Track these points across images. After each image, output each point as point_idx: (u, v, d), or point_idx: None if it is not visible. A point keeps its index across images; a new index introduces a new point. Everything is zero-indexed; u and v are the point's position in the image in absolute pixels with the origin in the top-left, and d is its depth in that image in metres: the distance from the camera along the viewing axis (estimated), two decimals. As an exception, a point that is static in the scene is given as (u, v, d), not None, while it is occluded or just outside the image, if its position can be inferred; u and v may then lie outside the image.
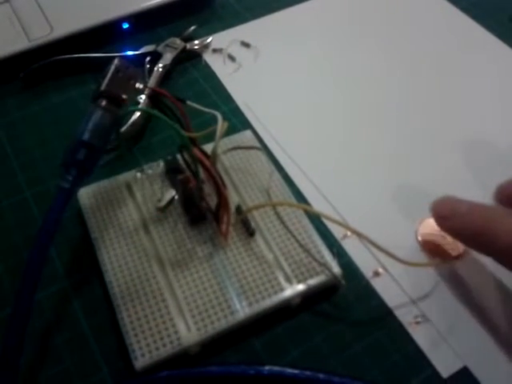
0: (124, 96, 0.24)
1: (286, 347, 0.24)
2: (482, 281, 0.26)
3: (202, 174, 0.26)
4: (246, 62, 0.37)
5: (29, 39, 0.35)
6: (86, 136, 0.23)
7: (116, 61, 0.25)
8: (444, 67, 0.36)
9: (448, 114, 0.34)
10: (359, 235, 0.24)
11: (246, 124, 0.33)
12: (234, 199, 0.28)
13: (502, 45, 0.38)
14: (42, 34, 0.36)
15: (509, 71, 0.36)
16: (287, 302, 0.24)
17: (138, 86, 0.25)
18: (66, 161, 0.23)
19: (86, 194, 0.28)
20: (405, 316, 0.25)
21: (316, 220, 0.28)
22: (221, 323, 0.23)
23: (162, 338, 0.23)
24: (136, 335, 0.23)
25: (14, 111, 0.34)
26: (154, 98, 0.32)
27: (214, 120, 0.26)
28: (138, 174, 0.28)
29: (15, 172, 0.31)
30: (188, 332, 0.23)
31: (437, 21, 0.40)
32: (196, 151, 0.24)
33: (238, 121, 0.33)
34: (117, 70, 0.24)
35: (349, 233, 0.27)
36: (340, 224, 0.25)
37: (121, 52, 0.36)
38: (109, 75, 0.24)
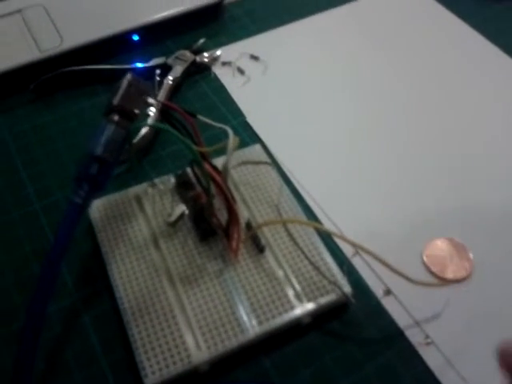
0: (136, 111, 0.24)
1: (296, 366, 0.24)
2: (488, 303, 0.26)
3: (212, 189, 0.26)
4: (254, 75, 0.37)
5: (39, 50, 0.36)
6: (99, 151, 0.23)
7: (129, 76, 0.25)
8: (456, 85, 0.36)
9: (460, 136, 0.33)
10: (369, 253, 0.24)
11: (254, 137, 0.33)
12: (243, 214, 0.28)
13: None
14: (52, 45, 0.36)
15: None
16: (297, 321, 0.24)
17: (150, 100, 0.25)
18: (78, 175, 0.23)
19: (96, 207, 0.28)
20: (415, 336, 0.25)
21: (326, 237, 0.28)
22: (231, 341, 0.23)
23: (172, 356, 0.23)
24: (146, 352, 0.23)
25: (23, 122, 0.34)
26: (164, 111, 0.32)
27: (224, 134, 0.26)
28: (150, 189, 0.28)
29: (24, 183, 0.31)
30: (198, 350, 0.23)
31: (447, 37, 0.40)
32: (208, 167, 0.24)
33: (246, 134, 0.33)
34: (129, 85, 0.24)
35: (359, 250, 0.27)
36: (351, 243, 0.25)
37: (130, 64, 0.36)
38: (121, 90, 0.24)
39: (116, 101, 0.24)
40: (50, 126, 0.34)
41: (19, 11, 0.38)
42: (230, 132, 0.26)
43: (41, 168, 0.31)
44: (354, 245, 0.25)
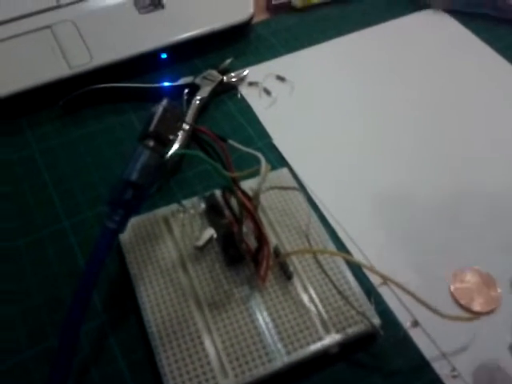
0: (171, 137, 0.24)
1: (323, 397, 0.24)
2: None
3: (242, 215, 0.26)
4: (281, 96, 0.37)
5: (69, 67, 0.36)
6: (134, 176, 0.23)
7: (164, 102, 0.25)
8: (475, 106, 0.36)
9: (485, 161, 0.33)
10: (397, 285, 0.24)
11: (280, 160, 0.33)
12: (271, 240, 0.28)
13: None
14: (82, 62, 0.36)
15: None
16: (325, 351, 0.24)
17: (184, 126, 0.25)
18: (112, 200, 0.23)
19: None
20: (442, 368, 0.25)
21: (354, 265, 0.28)
22: (258, 370, 0.23)
23: (199, 383, 0.23)
24: (174, 378, 0.23)
25: (52, 138, 0.34)
26: (192, 133, 0.32)
27: (252, 157, 0.26)
28: (181, 215, 0.28)
29: (53, 200, 0.31)
30: (225, 378, 0.23)
31: (469, 60, 0.40)
32: (240, 194, 0.24)
33: (273, 157, 0.33)
34: (165, 111, 0.25)
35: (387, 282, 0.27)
36: (379, 274, 0.25)
37: (158, 82, 0.37)
38: (157, 116, 0.24)
39: (152, 127, 0.24)
40: (78, 142, 0.34)
41: (49, 27, 0.38)
42: (262, 159, 0.26)
43: (69, 185, 0.32)
44: (382, 276, 0.25)
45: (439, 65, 0.40)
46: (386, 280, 0.24)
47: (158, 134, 0.24)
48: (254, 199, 0.25)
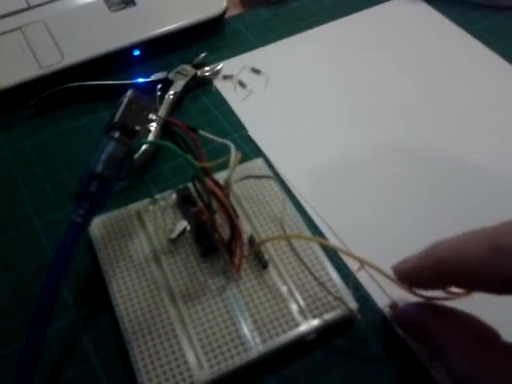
0: (137, 128, 0.24)
1: (301, 385, 0.23)
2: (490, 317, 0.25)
3: (214, 204, 0.25)
4: (256, 89, 0.37)
5: (40, 66, 0.36)
6: (99, 168, 0.23)
7: (129, 92, 0.24)
8: (462, 95, 0.36)
9: (470, 155, 0.33)
10: (375, 268, 0.24)
11: (256, 151, 0.33)
12: (246, 230, 0.27)
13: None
14: (53, 62, 0.36)
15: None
16: (302, 338, 0.24)
17: (152, 117, 0.25)
18: (78, 193, 0.23)
19: (96, 225, 0.27)
20: (422, 351, 0.24)
21: (331, 251, 0.27)
22: (234, 360, 0.23)
23: (174, 376, 0.22)
24: (148, 373, 0.22)
25: (24, 139, 0.34)
26: (165, 126, 0.31)
27: (226, 148, 0.25)
28: (151, 206, 0.28)
29: (25, 201, 0.30)
30: (200, 369, 0.22)
31: (445, 44, 0.40)
32: (209, 182, 0.24)
33: (248, 148, 0.33)
34: (130, 102, 0.24)
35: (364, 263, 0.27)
36: (356, 258, 0.24)
37: (132, 79, 0.36)
38: (122, 107, 0.24)
39: (117, 118, 0.24)
40: (51, 142, 0.34)
41: (19, 28, 0.38)
42: (232, 147, 0.25)
43: (41, 185, 0.31)
44: (360, 260, 0.24)
45: (416, 51, 0.39)
46: (362, 263, 0.23)
47: (123, 125, 0.24)
48: (224, 187, 0.25)
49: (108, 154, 0.23)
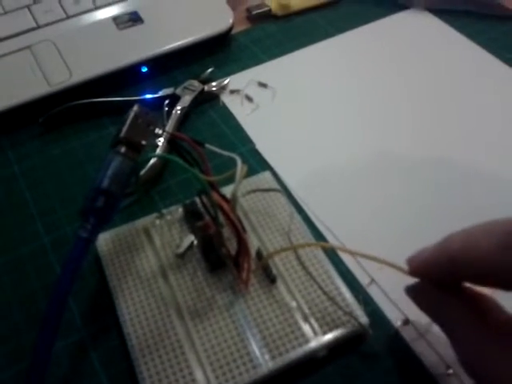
0: (143, 142, 0.24)
1: (312, 403, 0.23)
2: None
3: (221, 218, 0.25)
4: (263, 103, 0.37)
5: (49, 84, 0.36)
6: (105, 183, 0.23)
7: (135, 107, 0.24)
8: (466, 101, 0.36)
9: (468, 158, 0.33)
10: (395, 267, 0.23)
11: (264, 165, 0.33)
12: (253, 243, 0.27)
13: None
14: (61, 79, 0.36)
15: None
16: (312, 355, 0.23)
17: (158, 131, 0.25)
18: (84, 209, 0.23)
19: (104, 241, 0.27)
20: (436, 367, 0.24)
21: (341, 265, 0.27)
22: (243, 378, 0.22)
23: (181, 394, 0.22)
24: (155, 391, 0.22)
25: (33, 156, 0.34)
26: (172, 141, 0.31)
27: (233, 162, 0.25)
28: (157, 221, 0.27)
29: (34, 218, 0.30)
30: (209, 387, 0.22)
31: (453, 54, 0.40)
32: (215, 196, 0.24)
33: (256, 162, 0.33)
34: (136, 117, 0.24)
35: (375, 278, 0.26)
36: (370, 257, 0.23)
37: (140, 95, 0.36)
38: (128, 122, 0.24)
39: (123, 132, 0.24)
40: (59, 159, 0.34)
41: (28, 47, 0.38)
42: (239, 160, 0.25)
43: (50, 202, 0.31)
44: (374, 259, 0.23)
45: (424, 61, 0.39)
46: (380, 263, 0.22)
47: (129, 140, 0.24)
48: (231, 200, 0.24)
49: (114, 169, 0.23)
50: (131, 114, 0.24)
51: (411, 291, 0.22)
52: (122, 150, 0.23)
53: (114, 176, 0.23)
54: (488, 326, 0.19)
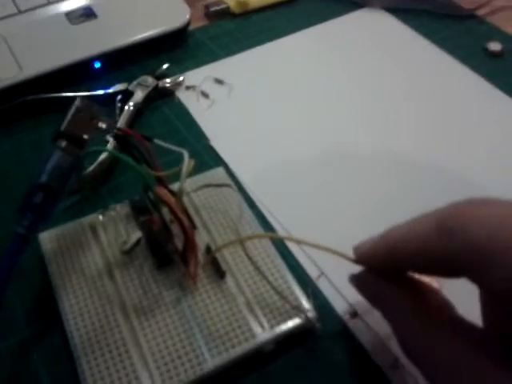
0: (85, 137, 0.23)
1: (258, 398, 0.22)
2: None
3: (167, 214, 0.25)
4: (219, 99, 0.37)
5: (-3, 80, 0.35)
6: (44, 178, 0.22)
7: (77, 101, 0.24)
8: (414, 97, 0.36)
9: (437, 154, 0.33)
10: (339, 255, 0.22)
11: (219, 161, 0.32)
12: (204, 239, 0.27)
13: (475, 76, 0.38)
14: (10, 75, 0.35)
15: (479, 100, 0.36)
16: (259, 349, 0.23)
17: (101, 125, 0.24)
18: (22, 205, 0.22)
19: (48, 239, 0.26)
20: (384, 361, 0.24)
21: (291, 259, 0.27)
22: (187, 374, 0.22)
23: (124, 393, 0.21)
24: (96, 390, 0.21)
25: (-22, 153, 0.33)
26: (121, 137, 0.31)
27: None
28: (100, 217, 0.27)
29: (-24, 216, 0.29)
30: (152, 385, 0.22)
31: (408, 53, 0.40)
32: (159, 190, 0.23)
33: (210, 158, 0.33)
34: (78, 110, 0.24)
35: (324, 271, 0.26)
36: (316, 246, 0.23)
37: (92, 91, 0.36)
38: (69, 115, 0.23)
39: (63, 126, 0.23)
40: (7, 156, 0.33)
41: (-23, 42, 0.37)
42: (186, 154, 0.25)
43: (-6, 200, 0.30)
44: (319, 247, 0.22)
45: (380, 60, 0.40)
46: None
47: (70, 134, 0.23)
48: (177, 195, 0.24)
49: (54, 164, 0.22)
50: (72, 108, 0.24)
51: (354, 279, 0.22)
52: (63, 144, 0.23)
53: (53, 171, 0.22)
54: (428, 312, 0.20)
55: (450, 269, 0.18)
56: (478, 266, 0.17)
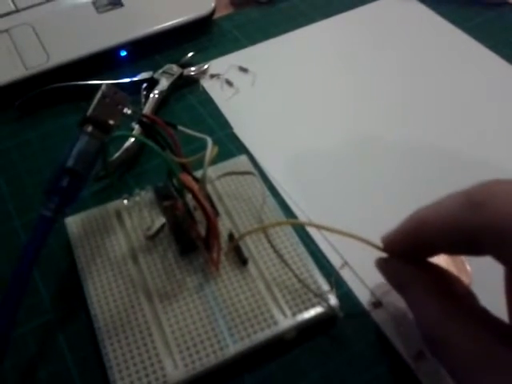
0: (111, 122, 0.24)
1: (280, 385, 0.22)
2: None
3: (191, 200, 0.25)
4: (243, 87, 0.36)
5: (26, 67, 0.35)
6: (70, 163, 0.22)
7: (103, 87, 0.24)
8: (456, 90, 0.36)
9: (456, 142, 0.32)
10: (367, 243, 0.22)
11: (242, 149, 0.32)
12: (226, 226, 0.27)
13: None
14: (38, 63, 0.36)
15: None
16: (281, 336, 0.23)
17: (126, 111, 0.25)
18: (48, 188, 0.22)
19: (74, 223, 0.27)
20: (407, 350, 0.23)
21: (314, 247, 0.27)
22: (209, 359, 0.22)
23: (147, 375, 0.22)
24: (120, 371, 0.22)
25: (7, 139, 0.33)
26: (147, 124, 0.31)
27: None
28: (125, 201, 0.27)
29: (5, 199, 0.30)
30: (175, 369, 0.22)
31: (438, 41, 0.39)
32: (183, 177, 0.23)
33: (234, 146, 0.33)
34: (103, 96, 0.24)
35: (348, 260, 0.26)
36: (342, 233, 0.22)
37: (118, 79, 0.36)
38: (95, 101, 0.23)
39: (89, 112, 0.23)
40: (34, 142, 0.33)
41: (6, 31, 0.38)
42: (210, 141, 0.25)
43: (22, 184, 0.31)
44: (347, 235, 0.22)
45: (409, 47, 0.39)
46: (349, 237, 0.22)
47: (96, 119, 0.23)
48: (200, 182, 0.24)
49: (80, 149, 0.23)
50: (98, 93, 0.24)
51: (381, 264, 0.22)
52: (89, 129, 0.23)
53: (79, 155, 0.22)
54: (453, 300, 0.19)
55: (477, 243, 0.18)
56: (505, 239, 0.16)
